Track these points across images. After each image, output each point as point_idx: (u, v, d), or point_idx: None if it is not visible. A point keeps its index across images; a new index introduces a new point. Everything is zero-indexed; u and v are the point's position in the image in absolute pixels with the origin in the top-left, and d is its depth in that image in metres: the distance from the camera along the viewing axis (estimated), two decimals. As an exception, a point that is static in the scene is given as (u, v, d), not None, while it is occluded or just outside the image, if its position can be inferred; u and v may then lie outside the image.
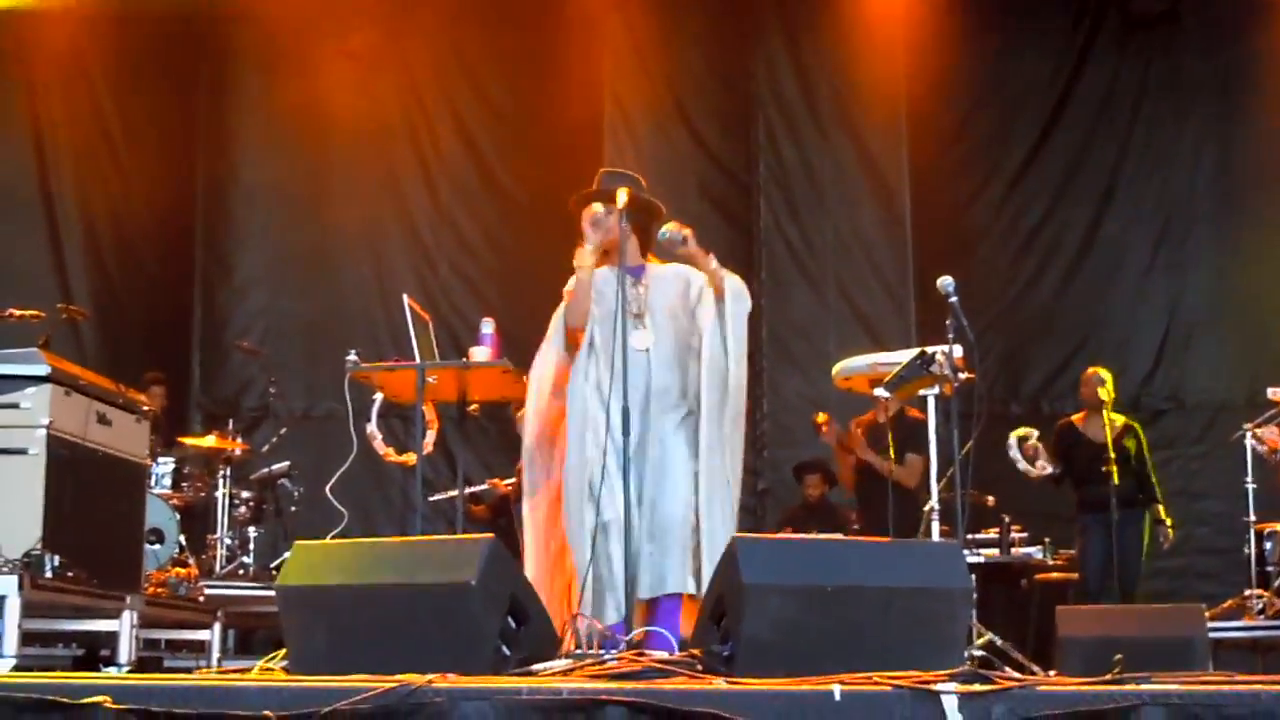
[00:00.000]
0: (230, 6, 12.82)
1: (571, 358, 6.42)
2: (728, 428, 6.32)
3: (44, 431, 6.32)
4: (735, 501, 6.34)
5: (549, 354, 6.50)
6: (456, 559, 4.64)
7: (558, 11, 12.45)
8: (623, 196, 6.20)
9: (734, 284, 6.40)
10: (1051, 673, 6.39)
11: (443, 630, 4.49)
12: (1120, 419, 9.89)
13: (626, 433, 5.95)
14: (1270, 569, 9.34)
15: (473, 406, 7.67)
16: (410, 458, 7.54)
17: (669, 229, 6.30)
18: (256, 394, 12.54)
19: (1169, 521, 9.85)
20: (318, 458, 11.10)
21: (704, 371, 6.28)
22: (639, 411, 6.14)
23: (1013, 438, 9.50)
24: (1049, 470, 9.50)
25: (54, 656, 8.44)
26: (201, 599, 8.44)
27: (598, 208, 6.28)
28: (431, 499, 10.81)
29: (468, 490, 10.55)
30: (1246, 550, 9.44)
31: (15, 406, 6.32)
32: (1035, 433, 9.57)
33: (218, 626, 8.28)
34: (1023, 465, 9.45)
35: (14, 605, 5.96)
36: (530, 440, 6.50)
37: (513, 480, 10.36)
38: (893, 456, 8.74)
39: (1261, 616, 8.95)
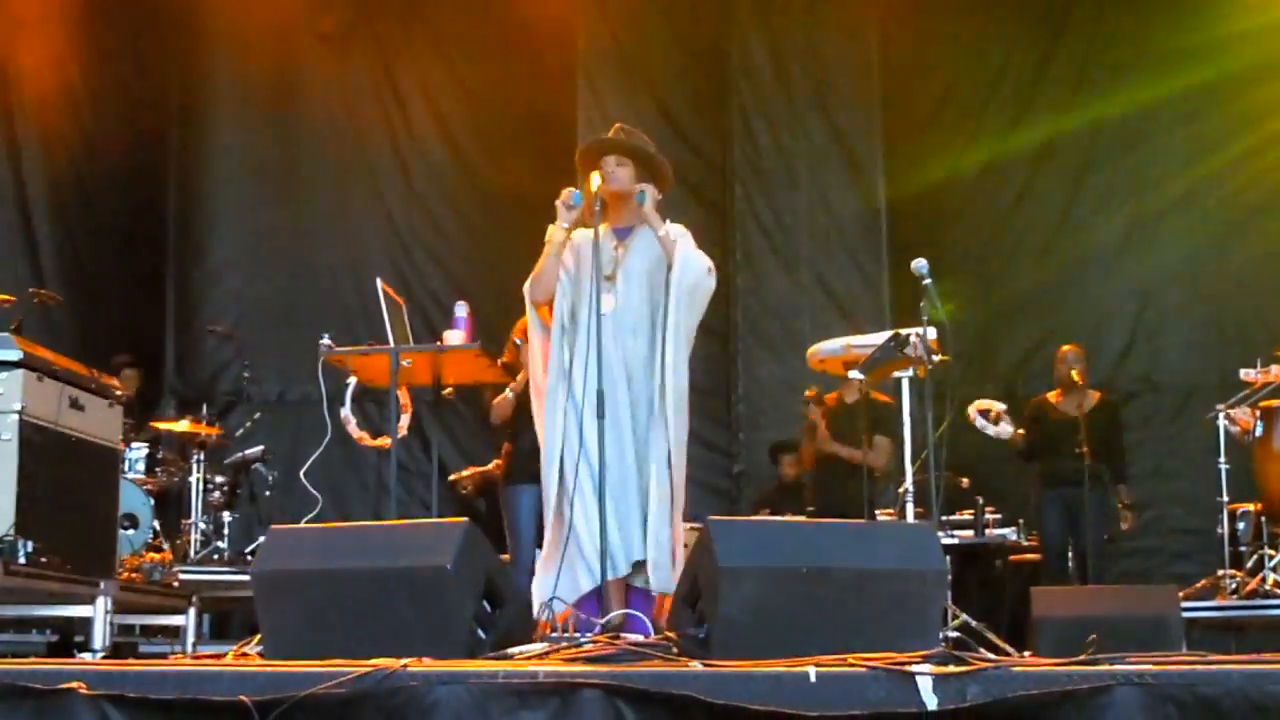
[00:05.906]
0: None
1: (549, 335, 6.33)
2: (668, 410, 6.12)
3: (16, 417, 6.30)
4: (677, 485, 6.14)
5: (535, 341, 6.39)
6: (432, 543, 4.63)
7: (531, -7, 12.43)
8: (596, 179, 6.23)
9: (686, 260, 6.21)
10: (1026, 653, 6.41)
11: (418, 614, 4.48)
12: (1096, 395, 9.91)
13: (601, 415, 5.87)
14: (1243, 549, 9.39)
15: (447, 390, 7.66)
16: (385, 441, 7.51)
17: (641, 187, 6.25)
18: (230, 378, 12.49)
19: (1126, 501, 9.84)
20: (292, 442, 11.11)
21: (666, 343, 6.15)
22: (604, 380, 5.95)
23: (973, 410, 9.45)
24: (1009, 430, 9.40)
25: (28, 642, 8.42)
26: (176, 584, 8.42)
27: (568, 191, 6.26)
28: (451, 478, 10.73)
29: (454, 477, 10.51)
30: (1220, 530, 9.48)
31: (-13, 392, 6.31)
32: (1001, 405, 9.55)
33: (192, 611, 8.25)
34: (987, 428, 9.39)
35: (-13, 591, 5.96)
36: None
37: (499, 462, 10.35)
38: (866, 440, 8.71)
39: (1234, 596, 8.98)
